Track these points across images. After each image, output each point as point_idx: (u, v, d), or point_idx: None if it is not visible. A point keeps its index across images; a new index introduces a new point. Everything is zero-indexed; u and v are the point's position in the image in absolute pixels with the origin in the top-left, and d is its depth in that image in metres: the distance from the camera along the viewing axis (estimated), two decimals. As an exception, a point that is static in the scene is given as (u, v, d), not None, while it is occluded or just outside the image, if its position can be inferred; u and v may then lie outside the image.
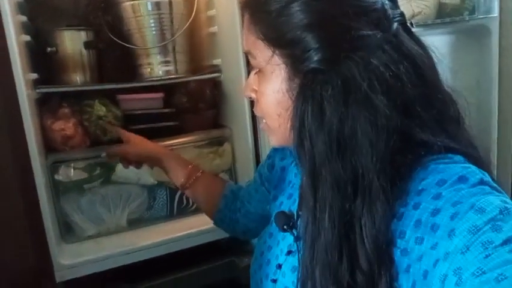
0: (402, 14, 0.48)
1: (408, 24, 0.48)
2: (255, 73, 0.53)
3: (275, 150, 0.73)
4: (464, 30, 1.10)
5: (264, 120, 0.55)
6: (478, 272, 0.34)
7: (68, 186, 0.98)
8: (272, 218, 0.64)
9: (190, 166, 0.83)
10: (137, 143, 0.90)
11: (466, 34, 1.12)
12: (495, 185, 0.42)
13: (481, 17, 1.07)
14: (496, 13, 1.07)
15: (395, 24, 0.46)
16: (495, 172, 1.10)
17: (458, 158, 0.45)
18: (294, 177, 0.66)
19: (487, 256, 0.35)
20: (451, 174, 0.42)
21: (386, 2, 0.47)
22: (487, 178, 0.42)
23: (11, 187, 0.83)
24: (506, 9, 1.07)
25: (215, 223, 0.84)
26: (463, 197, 0.40)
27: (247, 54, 0.52)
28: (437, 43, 1.11)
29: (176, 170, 0.83)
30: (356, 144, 0.43)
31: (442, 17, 1.06)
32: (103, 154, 0.92)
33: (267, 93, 0.50)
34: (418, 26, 1.06)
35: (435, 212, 0.40)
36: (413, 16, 1.03)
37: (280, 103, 0.49)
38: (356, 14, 0.44)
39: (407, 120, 0.44)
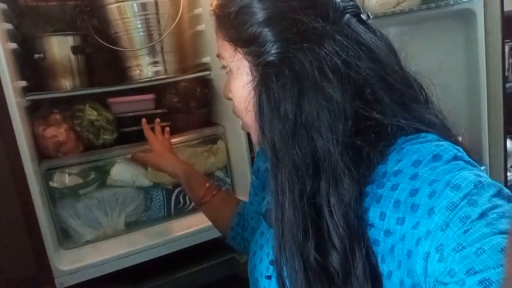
0: (355, 6, 0.50)
1: (363, 16, 0.51)
2: (226, 73, 0.57)
3: (257, 154, 0.76)
4: (449, 15, 1.10)
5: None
6: (458, 248, 0.36)
7: (64, 192, 0.98)
8: (262, 217, 0.64)
9: (207, 184, 0.85)
10: (159, 155, 0.94)
11: (452, 18, 1.12)
12: (469, 159, 0.43)
13: (466, 0, 1.08)
14: (481, -4, 1.08)
15: (347, 16, 0.48)
16: (487, 154, 1.13)
17: (431, 136, 0.47)
18: None
19: (465, 231, 0.36)
20: (425, 154, 0.43)
21: None
22: (461, 153, 0.43)
23: (5, 196, 0.83)
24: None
25: (227, 241, 0.85)
26: (438, 175, 0.41)
27: (219, 58, 0.56)
28: (424, 28, 1.12)
29: (194, 187, 0.86)
30: (313, 130, 0.46)
31: (427, 2, 1.07)
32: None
33: (236, 90, 0.54)
34: (404, 13, 1.07)
35: (414, 192, 0.42)
36: (398, 3, 1.03)
37: (247, 98, 0.52)
38: (302, 8, 0.47)
39: (362, 103, 0.46)
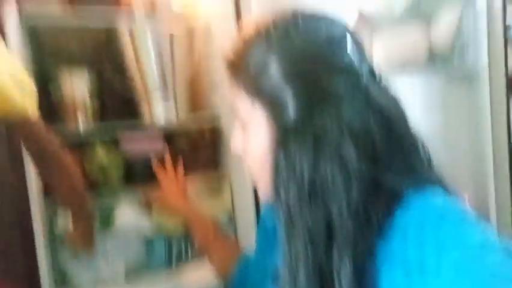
0: (371, 68, 0.49)
1: (377, 77, 0.50)
2: (238, 128, 0.54)
3: (264, 213, 0.74)
4: (455, 75, 1.13)
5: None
6: None
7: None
8: (270, 280, 0.63)
9: (213, 232, 0.86)
10: (169, 204, 0.94)
11: (458, 78, 1.15)
12: (476, 215, 0.43)
13: (471, 62, 1.10)
14: (485, 59, 1.10)
15: (364, 78, 0.47)
16: (494, 216, 1.11)
17: (438, 191, 0.46)
18: None
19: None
20: (432, 210, 0.43)
21: (355, 56, 0.48)
22: (467, 209, 0.43)
23: (7, 234, 0.81)
24: (495, 55, 1.10)
25: None
26: (445, 232, 0.40)
27: (232, 111, 0.53)
28: (429, 87, 1.14)
29: (198, 232, 0.88)
30: (328, 193, 0.44)
31: (434, 61, 1.10)
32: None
33: (251, 146, 0.51)
34: (410, 70, 1.09)
35: (420, 250, 0.41)
36: (403, 62, 1.06)
37: (262, 156, 0.49)
38: (328, 70, 0.46)
39: (376, 168, 0.45)
